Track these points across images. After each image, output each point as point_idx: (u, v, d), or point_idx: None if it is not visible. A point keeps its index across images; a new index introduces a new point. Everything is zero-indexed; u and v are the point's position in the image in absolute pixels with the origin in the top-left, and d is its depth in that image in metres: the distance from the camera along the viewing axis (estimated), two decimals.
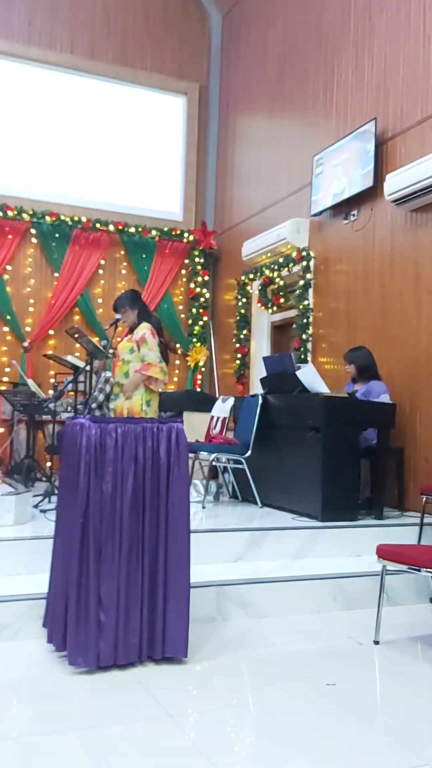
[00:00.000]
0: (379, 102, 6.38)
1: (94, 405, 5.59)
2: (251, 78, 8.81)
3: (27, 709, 2.79)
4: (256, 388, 7.51)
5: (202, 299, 9.41)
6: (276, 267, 7.76)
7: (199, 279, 9.39)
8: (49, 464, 6.59)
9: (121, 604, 3.11)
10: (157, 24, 9.42)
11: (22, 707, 2.81)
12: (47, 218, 8.54)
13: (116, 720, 2.66)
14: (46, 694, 2.88)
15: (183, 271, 9.46)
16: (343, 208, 6.72)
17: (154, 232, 9.08)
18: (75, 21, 9.00)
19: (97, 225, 8.77)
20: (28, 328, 8.59)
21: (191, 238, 9.30)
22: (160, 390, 5.38)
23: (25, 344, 8.49)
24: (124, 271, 9.13)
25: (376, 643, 3.59)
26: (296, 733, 2.59)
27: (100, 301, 8.92)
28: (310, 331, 7.16)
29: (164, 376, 5.23)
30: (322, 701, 2.88)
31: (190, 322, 9.40)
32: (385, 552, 3.62)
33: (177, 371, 9.40)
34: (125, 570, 3.13)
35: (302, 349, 7.17)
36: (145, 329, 5.28)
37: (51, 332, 8.70)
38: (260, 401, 5.74)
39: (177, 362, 9.39)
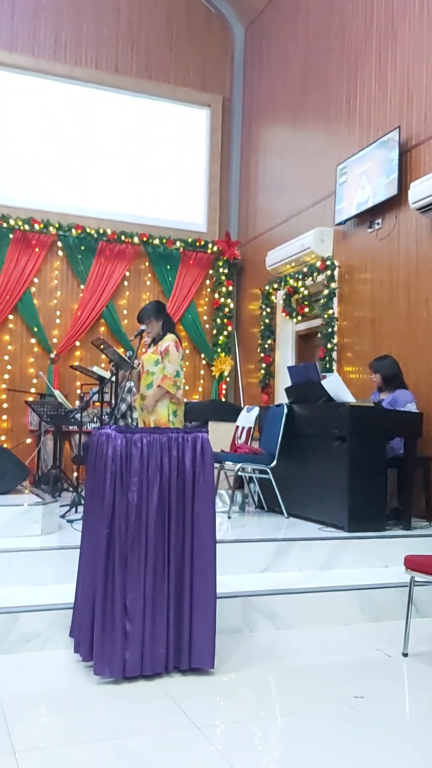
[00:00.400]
0: (402, 110, 6.36)
1: (118, 415, 5.62)
2: (274, 89, 8.85)
3: (55, 719, 2.80)
4: (281, 398, 7.50)
5: (226, 309, 9.43)
6: (300, 276, 7.76)
7: (224, 289, 9.41)
8: (75, 474, 6.63)
9: (147, 613, 3.11)
10: (180, 37, 9.51)
11: (50, 717, 2.82)
12: (73, 231, 8.63)
13: (144, 731, 2.65)
14: (73, 705, 2.89)
15: (207, 282, 9.49)
16: (368, 216, 6.70)
17: (178, 244, 9.13)
18: (100, 36, 9.12)
19: (122, 237, 8.84)
20: (54, 340, 8.67)
21: (215, 248, 9.33)
22: (185, 400, 5.38)
23: (52, 356, 8.58)
24: (148, 283, 9.19)
25: (405, 655, 3.54)
26: (324, 746, 2.56)
27: (125, 312, 8.98)
28: (335, 340, 7.13)
29: (176, 390, 5.19)
30: (350, 714, 2.85)
31: (214, 332, 9.42)
32: (413, 563, 3.57)
33: (202, 381, 9.41)
34: (151, 580, 3.13)
35: (327, 358, 7.14)
36: (169, 341, 5.29)
37: (77, 343, 8.77)
38: (285, 411, 5.72)
39: (202, 372, 9.41)
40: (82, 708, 2.85)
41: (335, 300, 7.19)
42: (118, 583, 3.08)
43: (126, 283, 9.06)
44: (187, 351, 8.94)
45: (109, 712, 2.81)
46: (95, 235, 8.73)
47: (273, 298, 8.49)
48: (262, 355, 8.57)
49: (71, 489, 6.29)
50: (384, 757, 2.49)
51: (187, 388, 5.44)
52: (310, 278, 7.60)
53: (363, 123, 6.96)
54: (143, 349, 5.54)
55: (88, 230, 8.70)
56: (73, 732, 2.64)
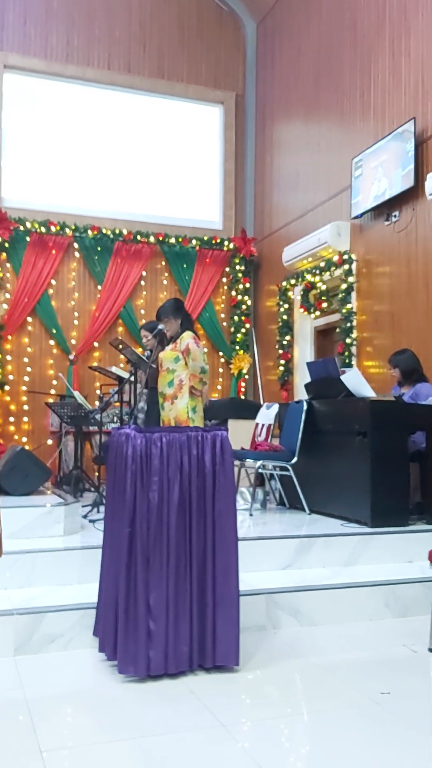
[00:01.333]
0: (417, 101, 6.30)
1: (140, 415, 5.62)
2: (287, 84, 8.80)
3: (81, 718, 2.80)
4: (301, 394, 7.46)
5: (243, 307, 9.41)
6: (317, 271, 7.72)
7: (241, 286, 9.39)
8: (96, 474, 6.65)
9: (170, 612, 3.11)
10: (191, 36, 9.50)
11: (76, 716, 2.83)
12: (89, 232, 8.66)
13: (170, 729, 2.65)
14: (99, 704, 2.90)
15: (224, 279, 9.48)
16: (384, 209, 6.65)
17: (194, 242, 9.13)
18: (111, 37, 9.14)
19: (138, 237, 8.86)
20: (73, 341, 8.71)
21: (231, 246, 9.32)
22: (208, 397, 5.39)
23: (71, 357, 8.62)
24: (165, 282, 9.20)
25: (431, 650, 3.50)
26: (351, 743, 2.55)
27: (142, 312, 9.00)
28: (354, 335, 7.09)
29: (202, 386, 5.25)
30: (377, 710, 2.82)
31: (232, 329, 9.41)
32: None
33: (221, 379, 9.40)
34: (173, 578, 3.13)
35: (346, 353, 7.10)
36: (188, 338, 5.28)
37: (95, 344, 8.81)
38: (305, 407, 5.70)
39: (220, 370, 9.40)
40: (108, 707, 2.86)
41: (353, 294, 7.14)
42: (141, 582, 3.08)
43: (143, 282, 9.07)
44: (206, 349, 8.92)
45: (135, 711, 2.82)
46: (111, 236, 8.76)
47: (290, 294, 8.45)
48: (281, 351, 8.54)
49: (92, 489, 6.31)
50: (411, 753, 2.47)
51: (207, 383, 5.43)
52: (328, 273, 7.55)
53: (377, 115, 6.90)
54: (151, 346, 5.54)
55: (104, 231, 8.72)
56: (99, 731, 2.65)
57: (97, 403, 8.06)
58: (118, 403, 6.21)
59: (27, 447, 7.92)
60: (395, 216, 6.53)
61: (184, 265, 9.20)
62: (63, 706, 2.89)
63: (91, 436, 7.55)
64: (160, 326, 5.46)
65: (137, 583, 3.09)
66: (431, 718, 2.83)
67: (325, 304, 7.87)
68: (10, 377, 8.52)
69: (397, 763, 2.40)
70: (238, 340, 9.36)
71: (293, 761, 2.47)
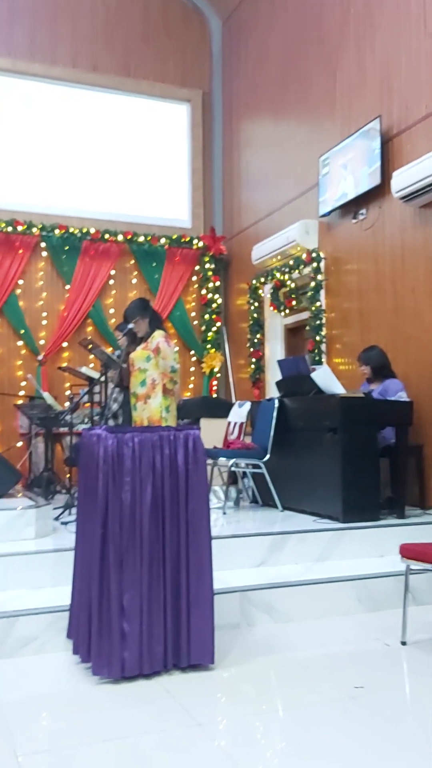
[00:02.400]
0: (383, 99, 6.35)
1: (109, 415, 5.59)
2: (254, 82, 8.82)
3: (56, 721, 2.78)
4: (272, 392, 7.50)
5: (214, 305, 9.41)
6: (287, 269, 7.75)
7: (211, 285, 9.39)
8: (68, 476, 6.61)
9: (144, 612, 3.10)
10: (157, 34, 9.46)
11: (51, 720, 2.80)
12: (56, 231, 8.59)
13: (145, 730, 2.64)
14: (74, 706, 2.88)
15: (194, 278, 9.47)
16: (352, 207, 6.70)
17: (163, 240, 9.10)
18: (76, 35, 9.06)
19: (106, 236, 8.80)
20: (41, 342, 8.63)
21: (201, 244, 9.31)
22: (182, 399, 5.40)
23: (40, 358, 8.54)
24: (134, 281, 9.16)
25: (404, 643, 3.55)
26: (326, 738, 2.57)
27: (112, 311, 8.95)
28: (323, 333, 7.13)
29: (173, 385, 5.25)
30: (352, 704, 2.85)
31: (203, 328, 9.41)
32: (408, 551, 3.58)
33: (192, 378, 9.40)
34: (147, 579, 3.12)
35: (317, 350, 7.14)
36: (159, 337, 5.28)
37: (65, 344, 8.73)
38: (277, 405, 5.72)
39: (192, 369, 9.40)
40: (83, 709, 2.84)
41: (322, 292, 7.19)
42: (114, 583, 3.07)
43: (112, 282, 9.02)
44: (177, 348, 8.91)
45: (110, 712, 2.81)
46: (79, 235, 8.69)
47: (260, 292, 8.48)
48: (252, 349, 8.56)
49: (64, 491, 6.27)
50: (387, 746, 2.50)
51: (179, 382, 5.43)
52: (297, 271, 7.59)
53: (344, 113, 6.95)
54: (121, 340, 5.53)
55: (71, 230, 8.65)
56: (75, 734, 2.63)
57: (67, 404, 8.00)
58: (88, 404, 6.17)
59: None
60: (362, 214, 6.59)
61: (154, 264, 9.17)
62: (38, 710, 2.87)
63: (61, 438, 7.49)
64: (130, 325, 5.44)
65: (110, 584, 3.07)
66: (405, 710, 2.87)
67: (294, 302, 7.91)
68: None
69: (372, 756, 2.42)
70: (209, 338, 9.36)
71: (270, 757, 2.48)
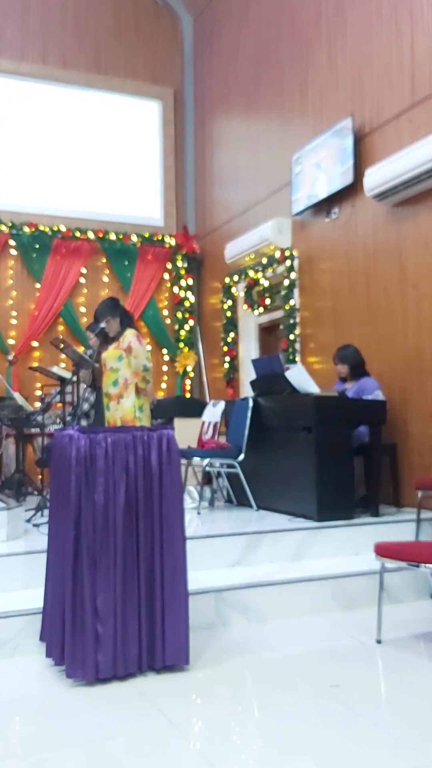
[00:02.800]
0: (355, 98, 6.37)
1: (80, 414, 5.53)
2: (226, 79, 8.80)
3: (29, 725, 2.74)
4: (247, 391, 7.48)
5: (187, 303, 9.37)
6: (260, 268, 7.74)
7: (184, 283, 9.35)
8: (40, 477, 6.52)
9: (119, 614, 3.06)
10: (128, 30, 9.40)
11: (24, 724, 2.76)
12: (26, 229, 8.48)
13: (119, 732, 2.61)
14: (47, 710, 2.84)
15: (167, 276, 9.42)
16: (324, 206, 6.71)
17: (135, 239, 9.04)
18: (46, 31, 8.96)
19: (77, 233, 8.72)
20: (11, 341, 8.52)
21: (173, 242, 9.26)
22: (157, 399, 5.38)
23: (10, 357, 8.42)
24: (106, 279, 9.08)
25: (379, 642, 3.55)
26: (302, 737, 2.55)
27: (83, 310, 8.86)
28: (297, 332, 7.14)
29: (145, 384, 5.23)
30: (327, 703, 2.84)
31: (176, 327, 9.36)
32: (383, 549, 3.59)
33: (166, 377, 9.35)
34: (121, 580, 3.09)
35: (290, 349, 7.14)
36: (131, 336, 5.24)
37: (35, 344, 8.63)
38: (251, 404, 5.71)
39: (165, 368, 9.35)
40: (57, 713, 2.80)
41: (296, 291, 7.19)
42: (88, 585, 3.03)
43: (83, 280, 8.94)
44: (149, 347, 8.87)
45: (84, 715, 2.77)
46: (49, 233, 8.59)
47: (234, 290, 8.46)
48: (226, 348, 8.54)
49: (36, 492, 6.19)
50: (362, 743, 2.49)
51: (151, 381, 5.38)
52: (270, 269, 7.59)
53: (316, 111, 6.96)
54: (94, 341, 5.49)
55: (41, 228, 8.55)
56: (49, 737, 2.59)
57: (38, 404, 7.90)
58: (60, 404, 6.10)
59: None
60: (335, 213, 6.60)
61: (126, 262, 9.10)
62: (10, 714, 2.82)
63: (32, 439, 7.40)
64: (102, 325, 5.39)
65: (84, 586, 3.03)
66: (380, 708, 2.87)
67: (268, 301, 7.91)
68: None
69: (348, 754, 2.41)
70: (182, 337, 9.32)
71: (245, 758, 2.46)
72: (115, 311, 5.32)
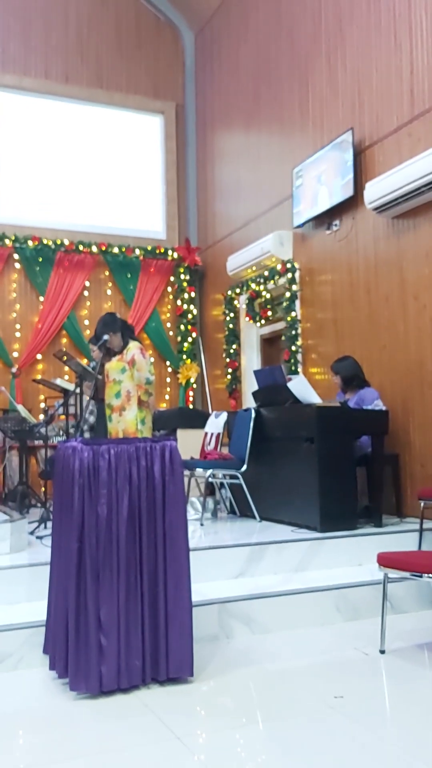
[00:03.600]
0: (354, 112, 6.43)
1: (85, 427, 5.55)
2: (227, 94, 8.88)
3: (34, 738, 2.74)
4: (249, 402, 7.50)
5: (189, 316, 9.41)
6: (262, 280, 7.78)
7: (186, 296, 9.39)
8: (43, 490, 6.53)
9: (122, 626, 3.07)
10: (130, 45, 9.49)
11: (28, 737, 2.76)
12: (30, 243, 8.54)
13: (124, 745, 2.61)
14: (51, 722, 2.84)
15: (169, 289, 9.47)
16: (325, 218, 6.75)
17: (138, 252, 9.09)
18: (48, 46, 9.06)
19: (80, 247, 8.77)
20: (15, 354, 8.56)
21: (176, 255, 9.31)
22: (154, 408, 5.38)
23: (14, 370, 8.45)
24: (109, 292, 9.13)
25: (382, 652, 3.55)
26: (307, 748, 2.55)
27: (87, 323, 8.90)
28: (299, 343, 7.17)
29: (148, 397, 5.25)
30: (331, 714, 2.84)
31: (179, 339, 9.40)
32: (386, 560, 3.59)
33: (168, 389, 9.37)
34: (124, 592, 3.09)
35: (292, 360, 7.17)
36: (135, 349, 5.26)
37: (39, 356, 8.67)
38: (253, 415, 5.72)
39: (168, 380, 9.37)
40: (61, 725, 2.80)
41: (297, 302, 7.22)
42: (91, 597, 3.04)
43: (86, 293, 8.98)
44: (152, 359, 8.90)
45: (88, 727, 2.77)
46: (53, 246, 8.65)
47: (236, 302, 8.50)
48: (228, 360, 8.56)
49: (39, 505, 6.19)
50: (367, 754, 2.49)
51: (153, 393, 5.40)
52: (272, 282, 7.62)
53: (316, 125, 7.01)
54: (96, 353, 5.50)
55: (45, 241, 8.61)
56: (53, 750, 2.59)
57: (41, 416, 7.92)
58: (63, 416, 6.12)
59: None
60: (336, 225, 6.64)
61: (128, 275, 9.15)
62: (15, 727, 2.82)
63: (36, 451, 7.41)
64: (105, 337, 5.42)
65: (87, 598, 3.04)
66: (385, 719, 2.87)
67: (270, 313, 7.94)
68: None
69: (353, 766, 2.41)
70: (185, 349, 9.35)
71: None
72: (114, 326, 5.34)
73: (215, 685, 3.18)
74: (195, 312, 9.47)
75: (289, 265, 7.26)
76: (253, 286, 7.97)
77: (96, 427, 6.04)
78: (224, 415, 6.48)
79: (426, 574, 3.40)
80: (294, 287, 7.22)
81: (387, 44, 6.02)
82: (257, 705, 3.03)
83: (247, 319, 8.30)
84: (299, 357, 7.16)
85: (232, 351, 8.53)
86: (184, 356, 9.34)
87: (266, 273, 7.65)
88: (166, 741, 2.62)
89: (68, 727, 2.78)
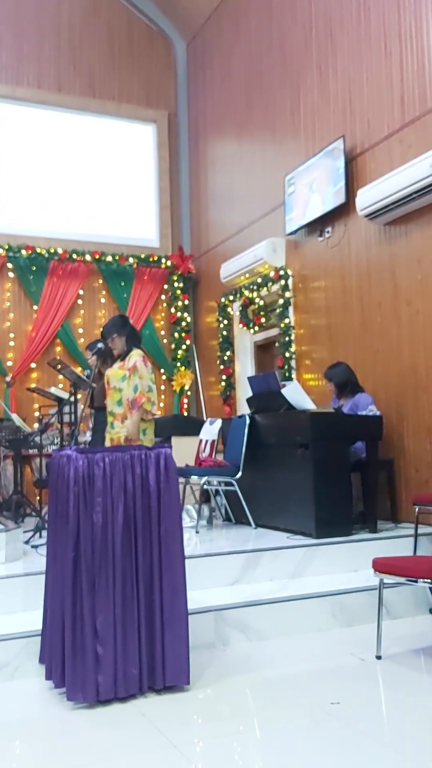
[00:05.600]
0: (345, 119, 6.47)
1: (86, 437, 5.52)
2: (219, 102, 8.92)
3: (30, 748, 2.73)
4: (243, 409, 7.51)
5: (183, 323, 9.42)
6: (255, 287, 7.80)
7: (180, 303, 9.41)
8: (38, 498, 6.52)
9: (118, 635, 3.06)
10: (122, 55, 9.53)
11: (25, 747, 2.75)
12: (23, 252, 8.54)
13: (121, 754, 2.60)
14: (48, 732, 2.83)
15: (163, 297, 9.48)
16: (318, 225, 6.78)
17: (131, 260, 9.11)
18: (41, 56, 9.09)
19: (74, 255, 8.79)
20: (9, 363, 8.55)
21: (169, 263, 9.34)
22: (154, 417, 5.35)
23: (8, 379, 8.45)
24: (103, 300, 9.14)
25: (379, 658, 3.55)
26: (304, 755, 2.55)
27: (80, 331, 8.91)
28: (292, 349, 7.18)
29: (152, 407, 5.19)
30: (328, 720, 2.84)
31: (173, 346, 9.41)
32: (381, 565, 3.60)
33: (163, 396, 9.38)
34: (120, 600, 3.09)
35: (286, 366, 7.18)
36: (136, 356, 5.22)
37: (33, 365, 8.66)
38: (248, 421, 5.73)
39: (162, 387, 9.38)
40: (57, 735, 2.79)
41: (291, 309, 7.24)
42: (87, 606, 3.03)
43: (80, 301, 8.99)
44: (150, 364, 8.90)
45: (85, 737, 2.76)
46: (46, 255, 8.66)
47: (229, 309, 8.52)
48: (222, 367, 8.58)
49: (34, 514, 6.18)
50: (364, 761, 2.49)
51: (156, 403, 5.34)
52: (265, 288, 7.65)
53: (308, 133, 7.05)
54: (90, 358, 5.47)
55: (38, 250, 8.62)
56: (51, 759, 2.58)
57: (36, 425, 7.92)
58: (58, 425, 6.12)
59: None
60: (328, 232, 6.67)
61: (122, 283, 9.16)
62: (11, 737, 2.81)
63: (30, 460, 7.40)
64: (99, 345, 5.41)
65: (83, 607, 3.03)
66: (382, 725, 2.87)
67: (263, 319, 7.96)
68: None
69: None
70: (179, 356, 9.36)
71: None
72: (122, 329, 5.30)
73: (212, 693, 3.18)
74: (189, 319, 9.49)
75: (282, 272, 7.28)
76: (246, 293, 7.99)
77: (93, 436, 6.03)
78: (219, 422, 6.48)
79: (421, 579, 3.41)
80: (287, 294, 7.24)
81: (377, 52, 6.07)
82: (254, 712, 3.03)
83: (241, 325, 8.32)
84: (293, 363, 7.18)
85: (226, 358, 8.54)
86: (179, 363, 9.35)
87: (259, 280, 7.67)
88: (163, 750, 2.62)
89: (65, 737, 2.77)
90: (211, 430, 6.50)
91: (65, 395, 6.16)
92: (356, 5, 6.34)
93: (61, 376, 7.88)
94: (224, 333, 8.55)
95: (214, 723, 2.89)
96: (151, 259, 9.24)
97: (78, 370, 7.12)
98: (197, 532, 5.51)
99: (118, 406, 5.23)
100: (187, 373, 9.34)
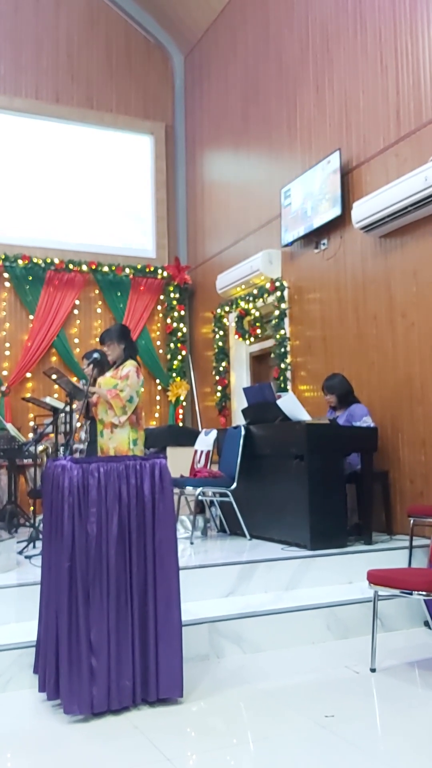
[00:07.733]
0: (341, 133, 6.51)
1: (80, 446, 5.51)
2: (216, 115, 8.97)
3: (23, 760, 2.71)
4: (238, 420, 7.51)
5: (179, 334, 9.44)
6: (251, 298, 7.82)
7: (176, 314, 9.42)
8: (32, 508, 6.50)
9: (112, 647, 3.05)
10: (120, 66, 9.59)
11: (17, 760, 2.73)
12: (20, 261, 8.55)
13: (113, 767, 2.59)
14: (42, 744, 2.81)
15: (159, 307, 9.50)
16: (313, 237, 6.81)
17: (128, 270, 9.13)
18: (39, 67, 9.14)
19: (70, 266, 8.80)
20: (4, 372, 8.54)
21: (165, 274, 9.36)
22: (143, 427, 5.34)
23: (3, 388, 8.43)
24: (99, 310, 9.15)
25: (373, 670, 3.54)
26: None
27: (76, 341, 8.91)
28: (288, 360, 7.20)
29: (122, 414, 5.09)
30: (322, 733, 2.83)
31: (168, 357, 9.42)
32: (376, 577, 3.59)
33: (158, 407, 9.37)
34: (114, 612, 3.08)
35: (281, 378, 7.19)
36: (130, 366, 5.22)
37: (28, 375, 8.65)
38: (243, 432, 5.73)
39: (158, 398, 9.38)
40: (51, 747, 2.77)
41: (286, 320, 7.26)
42: (82, 618, 3.02)
43: (76, 311, 9.00)
44: (142, 377, 8.90)
45: (79, 750, 2.74)
46: (43, 265, 8.67)
47: (225, 320, 8.53)
48: (217, 377, 8.58)
49: (28, 524, 6.16)
50: None
51: (128, 413, 5.28)
52: (261, 300, 7.67)
53: (304, 146, 7.10)
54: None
55: (35, 260, 8.63)
56: None
57: (30, 435, 7.90)
58: (52, 435, 6.11)
59: None
60: (324, 244, 6.70)
61: (118, 293, 9.17)
62: (3, 750, 2.78)
63: (25, 469, 7.38)
64: (96, 354, 5.40)
65: (78, 619, 3.02)
66: (376, 738, 2.86)
67: (259, 330, 7.98)
68: None
69: None
70: (174, 367, 9.37)
71: None
72: (120, 338, 5.30)
73: (205, 706, 3.16)
74: (184, 330, 9.50)
75: (277, 284, 7.31)
76: (242, 304, 8.01)
77: (89, 446, 6.02)
78: (214, 433, 6.48)
79: (416, 592, 3.40)
80: (283, 305, 7.26)
81: (373, 67, 6.12)
82: (248, 725, 3.01)
83: (237, 336, 8.33)
84: (288, 374, 7.19)
85: (221, 368, 8.55)
86: (174, 374, 9.35)
87: (255, 291, 7.70)
88: (155, 763, 2.60)
89: (58, 750, 2.75)
90: (206, 441, 6.49)
91: (60, 405, 6.15)
92: (352, 20, 6.40)
93: (56, 386, 7.87)
94: (220, 344, 8.57)
95: (208, 736, 2.87)
96: (147, 270, 9.26)
97: (74, 379, 7.12)
98: (192, 543, 5.50)
99: (108, 414, 5.23)
100: (182, 383, 9.34)
